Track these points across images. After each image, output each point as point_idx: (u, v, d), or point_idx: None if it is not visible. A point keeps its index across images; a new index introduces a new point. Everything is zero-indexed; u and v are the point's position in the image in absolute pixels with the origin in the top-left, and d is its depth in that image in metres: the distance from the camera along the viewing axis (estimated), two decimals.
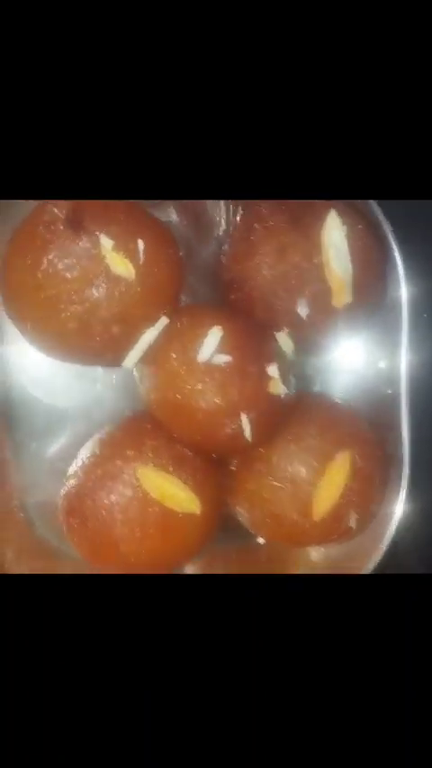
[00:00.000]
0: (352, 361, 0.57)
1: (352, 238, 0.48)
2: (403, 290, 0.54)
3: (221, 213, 0.56)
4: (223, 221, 0.56)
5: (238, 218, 0.54)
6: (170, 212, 0.56)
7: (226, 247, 0.51)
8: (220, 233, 0.56)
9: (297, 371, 0.50)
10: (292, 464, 0.49)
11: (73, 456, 0.50)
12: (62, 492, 0.49)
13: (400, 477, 0.54)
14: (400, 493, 0.54)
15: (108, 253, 0.42)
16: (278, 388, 0.45)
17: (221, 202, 0.56)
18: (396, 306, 0.54)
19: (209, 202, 0.56)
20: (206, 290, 0.55)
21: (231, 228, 0.53)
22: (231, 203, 0.56)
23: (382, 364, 0.56)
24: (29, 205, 0.47)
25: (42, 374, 0.55)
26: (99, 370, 0.54)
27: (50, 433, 0.55)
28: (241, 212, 0.54)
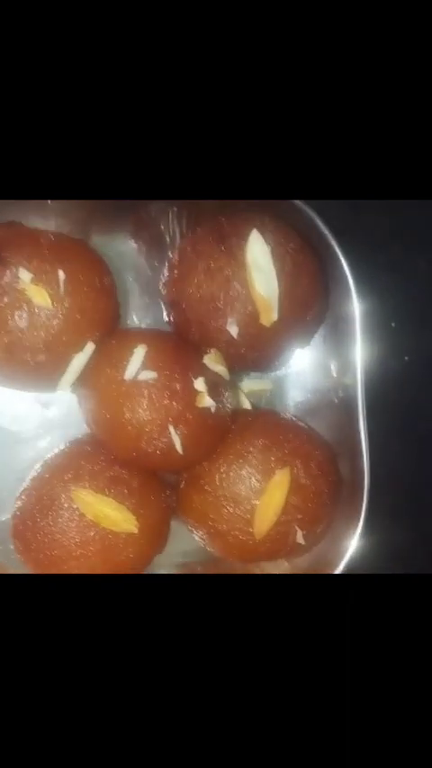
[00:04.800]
0: (307, 375, 0.57)
1: (279, 257, 0.48)
2: (355, 303, 0.53)
3: (175, 238, 0.58)
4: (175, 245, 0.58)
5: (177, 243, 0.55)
6: (127, 240, 0.58)
7: (165, 271, 0.53)
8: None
9: (233, 387, 0.50)
10: (234, 482, 0.49)
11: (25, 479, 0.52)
12: (11, 514, 0.51)
13: (361, 496, 0.53)
14: (362, 508, 0.53)
15: (27, 285, 0.44)
16: (205, 401, 0.46)
17: (177, 229, 0.58)
18: (349, 318, 0.54)
19: (163, 228, 0.58)
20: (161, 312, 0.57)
21: (170, 253, 0.54)
22: (186, 230, 0.57)
23: (337, 377, 0.55)
24: None
25: None
26: (54, 395, 0.56)
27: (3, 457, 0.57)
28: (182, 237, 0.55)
